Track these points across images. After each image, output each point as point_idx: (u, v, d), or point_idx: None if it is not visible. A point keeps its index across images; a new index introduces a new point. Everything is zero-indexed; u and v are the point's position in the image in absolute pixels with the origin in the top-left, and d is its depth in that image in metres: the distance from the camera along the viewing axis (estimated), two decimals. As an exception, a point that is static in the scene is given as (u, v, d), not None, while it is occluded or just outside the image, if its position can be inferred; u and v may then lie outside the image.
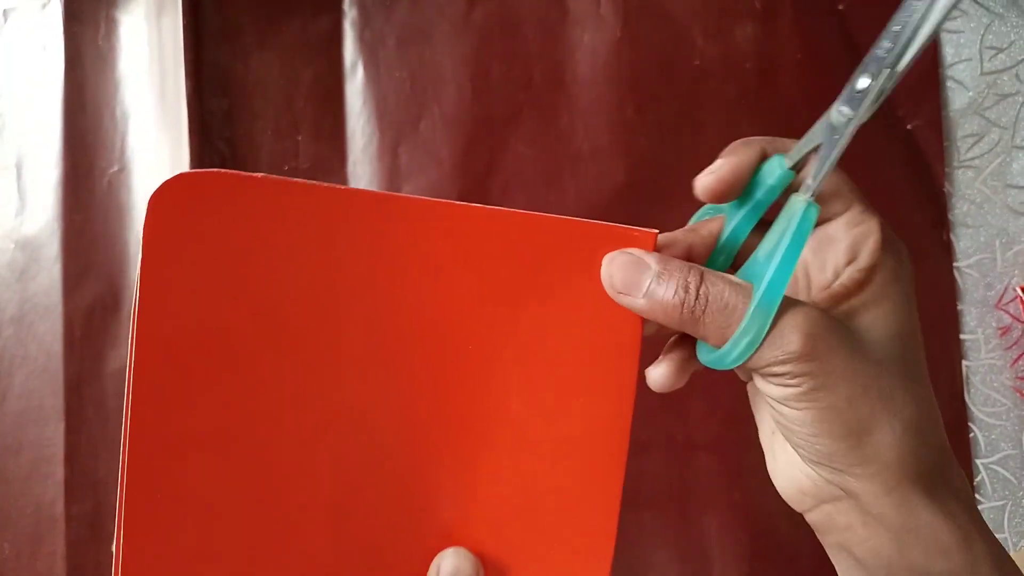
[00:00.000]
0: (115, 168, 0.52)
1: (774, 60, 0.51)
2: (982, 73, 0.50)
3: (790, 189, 0.28)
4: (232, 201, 0.26)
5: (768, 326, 0.25)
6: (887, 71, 0.25)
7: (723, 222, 0.30)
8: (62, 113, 0.53)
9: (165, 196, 0.25)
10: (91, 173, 0.52)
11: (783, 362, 0.25)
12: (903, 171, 0.50)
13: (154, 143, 0.52)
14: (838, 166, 0.26)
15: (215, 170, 0.26)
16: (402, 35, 0.52)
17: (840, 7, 0.51)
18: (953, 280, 0.50)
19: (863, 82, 0.26)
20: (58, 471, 0.51)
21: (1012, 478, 0.49)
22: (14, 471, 0.51)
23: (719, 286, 0.26)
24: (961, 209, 0.50)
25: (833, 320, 0.26)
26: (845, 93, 0.26)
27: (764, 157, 0.29)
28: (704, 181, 0.29)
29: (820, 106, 0.55)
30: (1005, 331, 0.50)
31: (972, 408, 0.50)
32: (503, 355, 0.28)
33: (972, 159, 0.50)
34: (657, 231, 0.28)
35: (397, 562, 0.28)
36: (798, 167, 0.28)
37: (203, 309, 0.26)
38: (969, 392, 0.50)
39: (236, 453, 0.27)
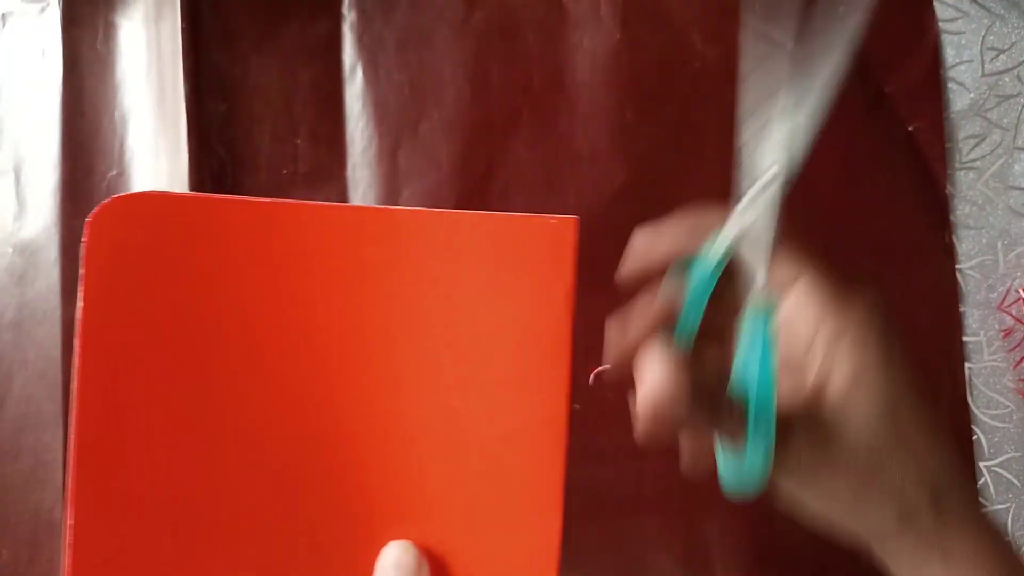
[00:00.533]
0: (114, 172, 0.52)
1: (774, 62, 0.50)
2: (983, 75, 0.50)
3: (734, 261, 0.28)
4: (166, 219, 0.28)
5: (772, 442, 0.25)
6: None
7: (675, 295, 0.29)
8: (61, 117, 0.53)
9: (103, 217, 0.27)
10: (90, 177, 0.52)
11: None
12: (905, 173, 0.50)
13: (153, 147, 0.52)
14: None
15: (148, 191, 0.29)
16: (401, 39, 0.51)
17: (840, 10, 0.51)
18: (955, 282, 0.50)
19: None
20: (57, 477, 0.50)
21: (1016, 481, 0.49)
22: (12, 477, 0.51)
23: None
24: (963, 211, 0.50)
25: (808, 438, 0.26)
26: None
27: (681, 248, 0.29)
28: (620, 275, 0.30)
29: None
30: (1008, 333, 0.49)
31: (975, 411, 0.49)
32: (440, 353, 0.29)
33: (974, 160, 0.50)
34: (577, 217, 0.29)
35: (343, 555, 0.29)
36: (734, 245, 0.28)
37: (142, 319, 0.27)
38: (972, 395, 0.49)
39: (180, 454, 0.28)
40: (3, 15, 0.54)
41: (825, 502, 0.27)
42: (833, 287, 0.28)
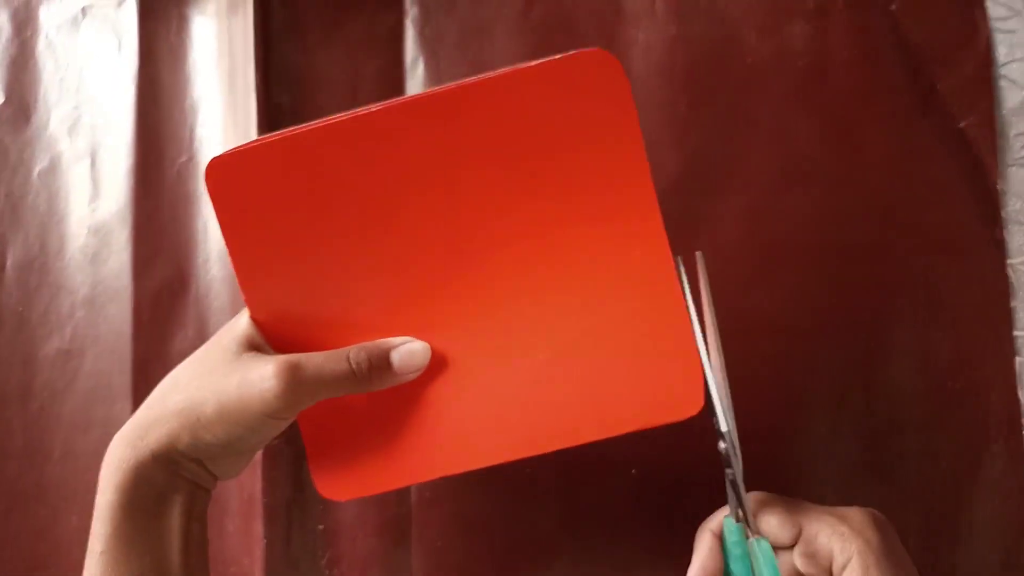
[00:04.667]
0: (184, 158, 0.55)
1: (826, 58, 0.51)
2: (1036, 72, 0.51)
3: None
4: (262, 165, 0.38)
5: None
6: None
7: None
8: (135, 106, 0.55)
9: (213, 176, 0.37)
10: (161, 163, 0.55)
11: None
12: (955, 169, 0.51)
13: (222, 134, 0.54)
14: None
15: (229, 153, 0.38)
16: (462, 33, 0.53)
17: (892, 7, 0.52)
18: (1006, 277, 0.50)
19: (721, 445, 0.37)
20: (123, 449, 0.52)
21: (1066, 476, 0.49)
22: (83, 447, 0.54)
23: None
24: (1014, 207, 0.50)
25: None
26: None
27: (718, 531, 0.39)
28: None
29: (870, 104, 0.55)
30: (1059, 329, 0.49)
31: (1025, 405, 0.49)
32: (535, 194, 0.38)
33: (1025, 157, 0.51)
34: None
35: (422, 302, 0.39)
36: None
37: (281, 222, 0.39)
38: (1022, 389, 0.49)
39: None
40: (83, 8, 0.57)
41: None
42: (846, 523, 0.36)
